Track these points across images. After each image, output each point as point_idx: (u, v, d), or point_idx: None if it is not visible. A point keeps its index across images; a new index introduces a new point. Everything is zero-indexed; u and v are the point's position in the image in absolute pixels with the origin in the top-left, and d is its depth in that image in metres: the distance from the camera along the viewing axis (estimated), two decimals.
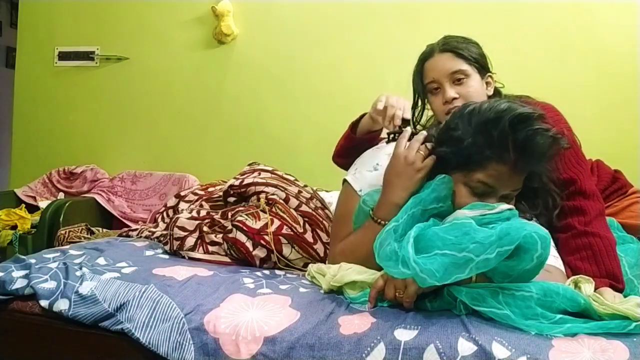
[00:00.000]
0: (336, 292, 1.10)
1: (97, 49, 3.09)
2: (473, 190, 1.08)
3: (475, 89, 1.41)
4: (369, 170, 1.26)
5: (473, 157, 1.06)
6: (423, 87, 1.48)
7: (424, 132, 1.17)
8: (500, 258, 0.90)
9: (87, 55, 3.10)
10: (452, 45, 1.43)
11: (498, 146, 1.04)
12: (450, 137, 1.11)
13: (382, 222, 1.10)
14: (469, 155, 1.06)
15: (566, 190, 1.29)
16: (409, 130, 1.19)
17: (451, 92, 1.40)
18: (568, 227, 1.25)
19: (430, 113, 1.54)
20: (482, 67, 1.45)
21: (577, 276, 1.11)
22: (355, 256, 1.13)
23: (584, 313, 0.94)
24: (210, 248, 1.38)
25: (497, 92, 1.50)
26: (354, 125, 1.56)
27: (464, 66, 1.41)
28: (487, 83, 1.46)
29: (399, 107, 1.35)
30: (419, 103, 1.53)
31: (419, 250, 0.95)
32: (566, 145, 1.11)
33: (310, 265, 1.25)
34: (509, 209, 1.01)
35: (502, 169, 1.05)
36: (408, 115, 1.38)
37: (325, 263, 1.28)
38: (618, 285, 1.17)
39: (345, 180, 1.29)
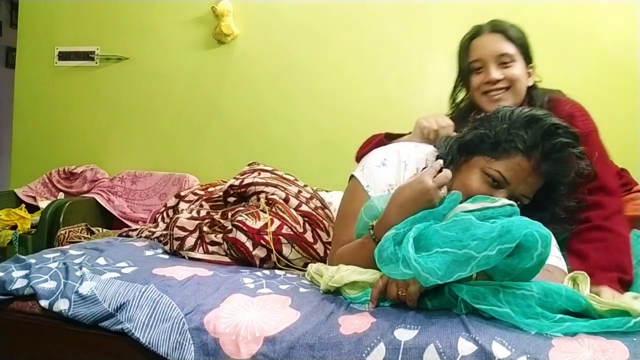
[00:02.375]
0: (334, 293, 1.09)
1: (97, 49, 3.09)
2: (488, 178, 1.09)
3: (519, 75, 1.40)
4: (377, 166, 1.23)
5: (503, 144, 1.09)
6: (467, 65, 1.46)
7: (449, 172, 1.08)
8: (501, 256, 0.90)
9: (87, 55, 3.11)
10: (503, 27, 1.42)
11: (531, 143, 1.08)
12: (488, 122, 1.14)
13: (376, 240, 1.07)
14: (500, 142, 1.10)
15: (588, 185, 1.29)
16: (440, 162, 1.11)
17: (496, 73, 1.39)
18: (586, 220, 1.27)
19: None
20: (527, 56, 1.44)
21: (575, 273, 1.09)
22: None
23: (585, 313, 0.94)
24: (210, 248, 1.38)
25: (534, 86, 1.47)
26: (389, 136, 1.53)
27: (512, 50, 1.40)
28: (528, 73, 1.45)
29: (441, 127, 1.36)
30: (460, 82, 1.52)
31: (420, 248, 0.95)
32: (588, 177, 1.15)
33: (309, 265, 1.25)
34: (510, 204, 1.01)
35: (525, 165, 1.08)
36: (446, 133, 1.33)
37: (325, 263, 1.27)
38: (625, 276, 1.17)
39: (352, 176, 1.26)
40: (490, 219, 0.97)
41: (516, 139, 1.08)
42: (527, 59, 1.44)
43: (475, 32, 1.45)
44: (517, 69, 1.40)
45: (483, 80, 1.40)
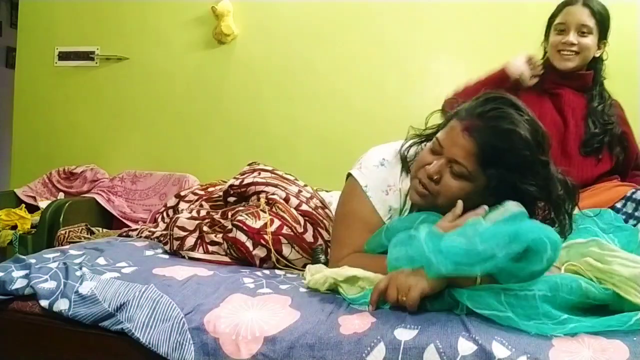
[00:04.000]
0: (334, 293, 1.09)
1: (97, 49, 3.10)
2: (431, 147, 1.15)
3: (590, 45, 1.75)
4: (375, 165, 1.23)
5: (449, 118, 1.16)
6: (550, 22, 1.82)
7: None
8: (508, 257, 0.90)
9: (87, 55, 3.11)
10: (592, 5, 1.75)
11: (467, 110, 1.12)
12: None
13: None
14: (450, 117, 1.16)
15: None
16: (460, 207, 1.09)
17: (573, 38, 1.74)
18: None
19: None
20: (603, 32, 1.77)
21: (570, 264, 1.08)
22: None
23: (587, 299, 0.94)
24: (210, 248, 1.38)
25: (600, 59, 1.81)
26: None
27: (592, 23, 1.74)
28: (599, 46, 1.78)
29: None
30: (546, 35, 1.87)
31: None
32: (526, 151, 1.08)
33: (308, 266, 1.25)
34: (515, 205, 1.02)
35: (456, 126, 1.11)
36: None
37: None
38: None
39: (349, 175, 1.25)
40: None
41: (459, 112, 1.14)
42: (603, 34, 1.77)
43: (570, 1, 1.78)
44: (590, 40, 1.75)
45: (561, 40, 1.75)
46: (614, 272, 0.95)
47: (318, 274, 1.11)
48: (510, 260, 0.91)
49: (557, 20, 1.79)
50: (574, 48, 1.74)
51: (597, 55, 1.79)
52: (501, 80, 1.78)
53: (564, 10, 1.78)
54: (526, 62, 1.79)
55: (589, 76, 1.82)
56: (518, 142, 1.05)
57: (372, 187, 1.20)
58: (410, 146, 1.25)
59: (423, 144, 1.23)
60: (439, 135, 1.14)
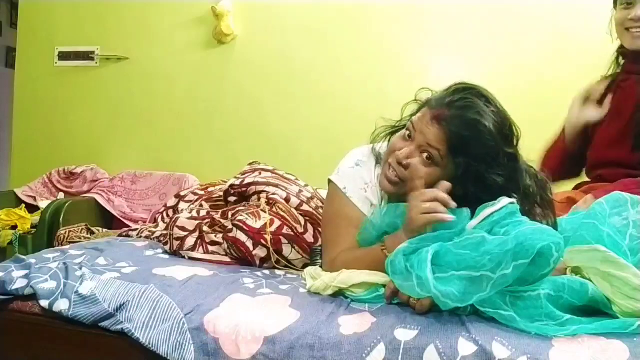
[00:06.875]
0: (334, 294, 1.09)
1: (97, 49, 3.10)
2: (403, 134, 1.17)
3: None
4: (351, 167, 1.27)
5: (422, 106, 1.18)
6: None
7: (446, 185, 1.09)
8: (517, 271, 0.89)
9: (87, 55, 3.11)
10: None
11: (437, 100, 1.14)
12: None
13: (385, 251, 1.10)
14: (422, 105, 1.19)
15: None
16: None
17: None
18: None
19: None
20: None
21: (575, 264, 1.07)
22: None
23: (591, 303, 0.94)
24: (210, 248, 1.38)
25: None
26: None
27: None
28: None
29: None
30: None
31: (434, 265, 0.95)
32: (490, 142, 1.08)
33: (306, 269, 1.25)
34: (510, 202, 1.02)
35: (427, 113, 1.13)
36: None
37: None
38: None
39: (329, 181, 1.29)
40: (498, 224, 0.98)
41: (430, 100, 1.16)
42: None
43: None
44: None
45: (628, 16, 1.44)
46: (615, 302, 0.95)
47: (318, 280, 1.11)
48: (519, 273, 0.90)
49: None
50: None
51: None
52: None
53: None
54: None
55: None
56: (483, 132, 1.08)
57: (351, 188, 1.24)
58: (386, 136, 1.27)
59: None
60: (413, 119, 1.16)
